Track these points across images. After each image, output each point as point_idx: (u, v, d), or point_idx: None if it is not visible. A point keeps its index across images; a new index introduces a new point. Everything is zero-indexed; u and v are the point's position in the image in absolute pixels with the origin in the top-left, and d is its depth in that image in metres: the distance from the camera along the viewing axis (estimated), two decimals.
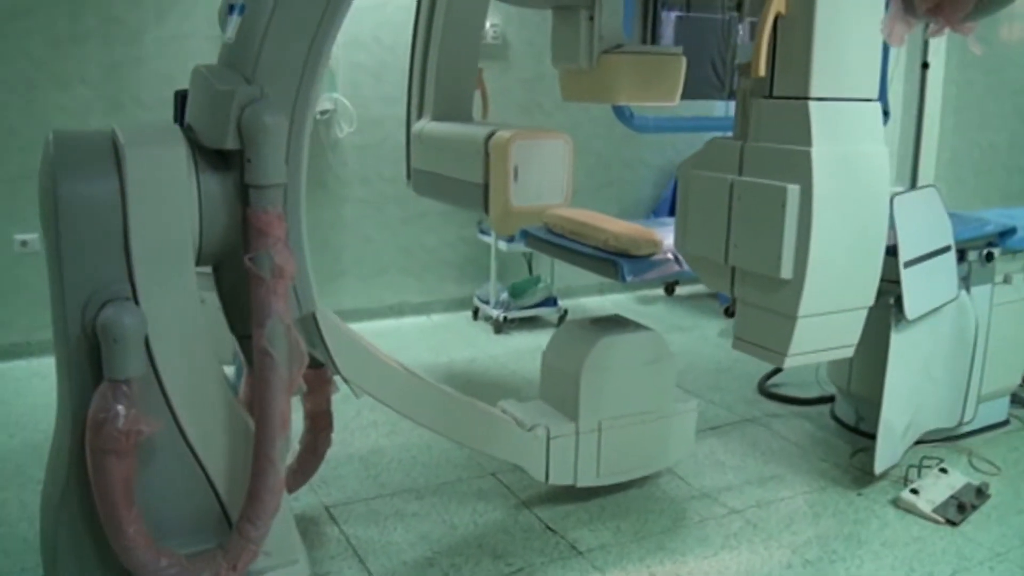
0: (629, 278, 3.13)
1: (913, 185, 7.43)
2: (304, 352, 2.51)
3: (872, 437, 3.81)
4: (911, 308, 3.48)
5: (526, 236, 3.69)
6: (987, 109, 7.11)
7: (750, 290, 2.63)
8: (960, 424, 4.09)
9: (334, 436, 3.20)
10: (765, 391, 4.72)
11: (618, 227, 3.29)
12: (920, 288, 3.54)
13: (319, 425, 3.16)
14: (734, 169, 2.63)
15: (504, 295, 5.67)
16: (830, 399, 4.53)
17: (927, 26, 2.59)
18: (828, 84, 2.44)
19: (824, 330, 2.59)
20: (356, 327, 5.94)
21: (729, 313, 6.09)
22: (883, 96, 5.13)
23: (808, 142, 2.40)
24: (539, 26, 5.48)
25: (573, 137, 3.98)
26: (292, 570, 2.63)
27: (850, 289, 2.58)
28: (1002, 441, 4.22)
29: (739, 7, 3.20)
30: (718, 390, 4.79)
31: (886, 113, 5.01)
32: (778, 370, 4.81)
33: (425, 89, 4.60)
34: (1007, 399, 4.43)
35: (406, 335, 5.69)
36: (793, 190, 2.42)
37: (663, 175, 6.46)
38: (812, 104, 2.42)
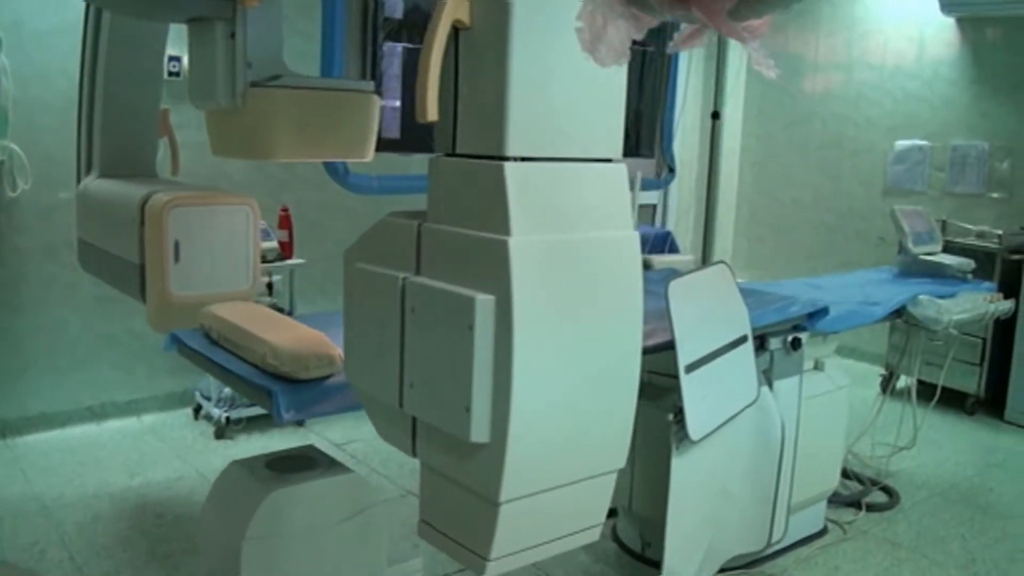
0: (286, 415, 2.13)
1: (705, 253, 6.85)
2: None
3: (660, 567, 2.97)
4: (696, 426, 2.64)
5: (175, 341, 2.64)
6: (789, 163, 6.60)
7: (436, 453, 1.69)
8: (769, 544, 3.31)
9: None
10: None
11: (283, 336, 2.29)
12: (707, 397, 2.72)
13: None
14: (410, 263, 1.70)
15: (227, 389, 4.56)
16: (611, 513, 3.67)
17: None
18: (538, 136, 1.54)
19: (548, 514, 1.67)
20: (45, 437, 4.91)
21: None
22: (668, 149, 4.44)
23: (504, 227, 1.49)
24: None
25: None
26: None
27: (586, 450, 1.67)
28: (819, 560, 3.49)
29: None
30: None
31: (671, 170, 4.29)
32: None
33: (93, 137, 3.52)
34: (823, 504, 3.72)
35: (104, 445, 4.49)
36: (484, 303, 1.50)
37: None
38: (509, 168, 1.51)
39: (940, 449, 4.71)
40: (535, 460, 1.56)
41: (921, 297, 3.83)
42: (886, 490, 4.11)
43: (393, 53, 3.28)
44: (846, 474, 4.17)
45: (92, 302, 4.66)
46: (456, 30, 1.57)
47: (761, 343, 3.20)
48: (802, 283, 4.16)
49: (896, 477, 4.27)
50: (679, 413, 2.62)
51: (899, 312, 3.84)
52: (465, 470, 1.61)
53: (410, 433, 1.75)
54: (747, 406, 2.96)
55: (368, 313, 1.79)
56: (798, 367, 3.32)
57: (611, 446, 1.70)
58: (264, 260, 4.49)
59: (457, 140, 1.62)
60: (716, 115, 4.01)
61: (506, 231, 1.48)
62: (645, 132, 4.11)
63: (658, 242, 5.54)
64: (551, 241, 1.53)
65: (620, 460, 1.72)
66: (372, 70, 3.24)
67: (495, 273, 1.49)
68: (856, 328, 3.64)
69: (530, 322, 1.49)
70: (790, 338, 3.24)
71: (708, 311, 2.80)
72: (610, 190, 1.63)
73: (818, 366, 3.54)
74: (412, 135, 3.36)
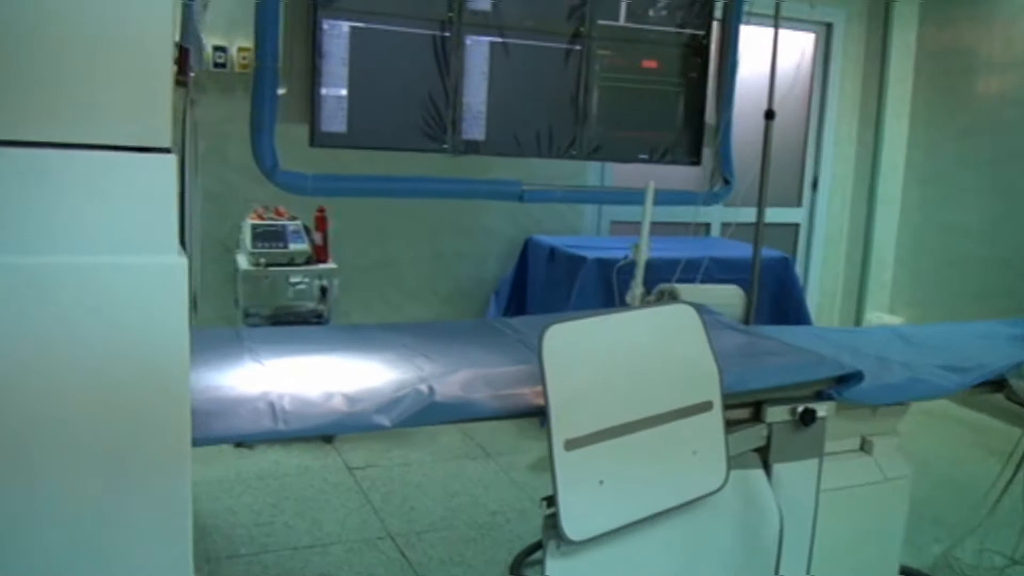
0: None
1: (861, 283, 5.78)
2: None
3: None
4: (576, 522, 1.98)
5: None
6: (959, 182, 5.44)
7: None
8: None
9: None
10: None
11: None
12: (610, 483, 2.05)
13: None
14: None
15: None
16: None
17: None
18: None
19: None
20: None
21: None
22: (725, 156, 3.64)
23: None
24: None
25: None
26: None
27: None
28: None
29: None
30: (458, 566, 3.31)
31: (727, 181, 3.53)
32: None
33: None
34: None
35: None
36: None
37: (512, 247, 5.02)
38: None
39: None
40: None
41: None
42: None
43: (337, 33, 2.82)
44: None
45: None
46: None
47: (756, 413, 2.46)
48: (890, 331, 3.29)
49: None
50: (553, 501, 1.98)
51: (1002, 383, 2.89)
52: None
53: None
54: (702, 496, 2.25)
55: None
56: (815, 447, 2.53)
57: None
58: (293, 263, 4.22)
59: None
60: (770, 114, 3.22)
61: None
62: (689, 133, 3.38)
63: (773, 268, 4.73)
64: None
65: None
66: (314, 51, 2.81)
67: None
68: (916, 400, 2.75)
69: None
70: (800, 409, 2.46)
71: (627, 367, 2.12)
72: (141, 193, 1.09)
73: (865, 447, 2.71)
74: (361, 129, 2.88)
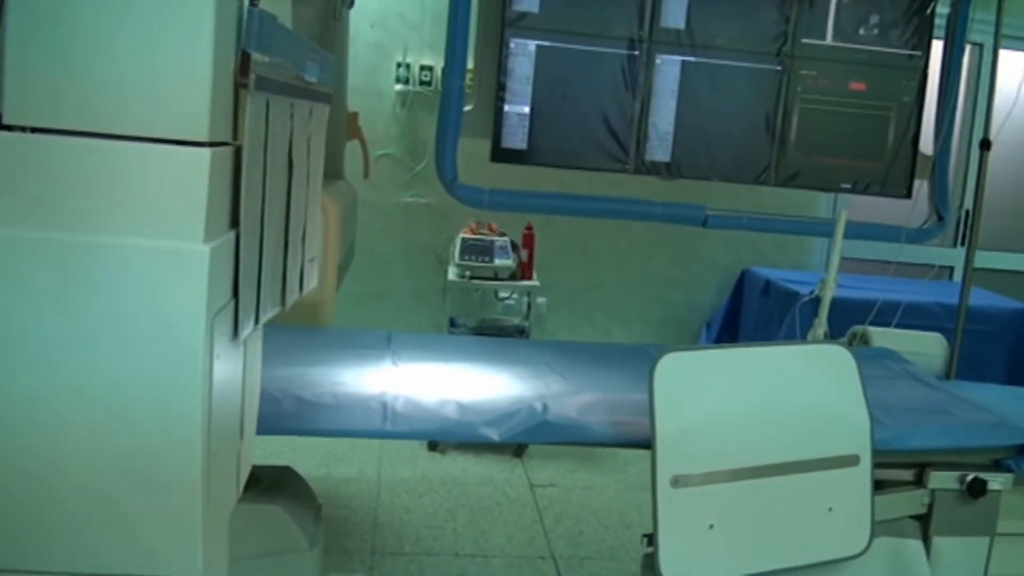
0: None
1: None
2: None
3: None
4: (674, 567, 1.87)
5: None
6: None
7: None
8: None
9: None
10: None
11: None
12: (722, 528, 1.92)
13: None
14: None
15: None
16: None
17: None
18: (58, 102, 1.16)
19: None
20: None
21: None
22: (941, 190, 3.25)
23: None
24: None
25: None
26: None
27: None
28: None
29: None
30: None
31: (941, 218, 3.20)
32: None
33: None
34: None
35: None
36: None
37: (729, 277, 4.83)
38: None
39: None
40: None
41: None
42: None
43: (523, 52, 2.84)
44: None
45: None
46: None
47: (919, 476, 2.21)
48: None
49: None
50: (653, 540, 1.87)
51: None
52: None
53: None
54: (837, 560, 2.04)
55: None
56: (986, 524, 2.24)
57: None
58: (497, 277, 4.30)
59: None
60: (986, 144, 2.85)
61: None
62: (900, 162, 3.07)
63: (1012, 321, 4.23)
64: (33, 240, 1.13)
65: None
66: (500, 66, 2.85)
67: None
68: None
69: None
70: (969, 477, 2.18)
71: (755, 407, 1.97)
72: (171, 182, 1.16)
73: None
74: (541, 146, 2.90)
